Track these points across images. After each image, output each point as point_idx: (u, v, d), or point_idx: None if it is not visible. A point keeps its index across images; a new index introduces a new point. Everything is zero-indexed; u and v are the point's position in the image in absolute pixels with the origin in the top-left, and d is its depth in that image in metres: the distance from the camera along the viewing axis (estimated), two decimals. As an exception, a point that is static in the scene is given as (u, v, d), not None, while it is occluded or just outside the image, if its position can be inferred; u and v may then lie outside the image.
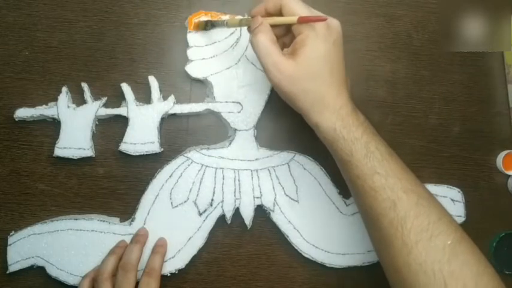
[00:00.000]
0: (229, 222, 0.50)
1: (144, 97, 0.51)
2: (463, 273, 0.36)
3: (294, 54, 0.40)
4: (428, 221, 0.37)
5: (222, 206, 0.50)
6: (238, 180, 0.50)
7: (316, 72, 0.40)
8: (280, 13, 0.41)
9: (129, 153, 0.50)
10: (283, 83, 0.40)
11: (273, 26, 0.41)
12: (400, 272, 0.37)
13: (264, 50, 0.40)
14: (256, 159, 0.51)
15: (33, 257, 0.48)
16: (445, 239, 0.37)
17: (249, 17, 0.44)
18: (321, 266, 0.51)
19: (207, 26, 0.50)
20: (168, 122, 0.52)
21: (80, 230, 0.49)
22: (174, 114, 0.51)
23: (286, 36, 0.44)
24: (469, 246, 0.37)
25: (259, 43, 0.40)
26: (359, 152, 0.39)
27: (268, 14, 0.42)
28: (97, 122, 0.51)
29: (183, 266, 0.49)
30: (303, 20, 0.39)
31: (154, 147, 0.50)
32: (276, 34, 0.42)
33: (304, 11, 0.40)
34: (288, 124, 0.53)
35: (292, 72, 0.40)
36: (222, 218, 0.50)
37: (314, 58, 0.40)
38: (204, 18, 0.51)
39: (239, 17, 0.51)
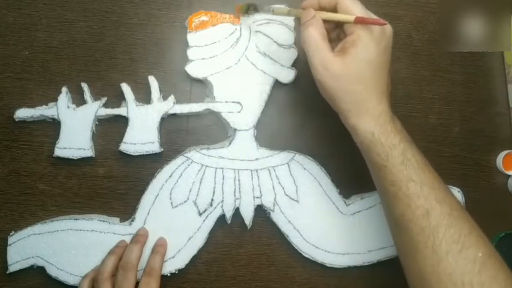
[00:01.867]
0: (229, 222, 0.50)
1: (144, 97, 0.51)
2: (492, 287, 0.36)
3: (343, 53, 0.40)
4: (460, 233, 0.37)
5: (222, 206, 0.50)
6: (238, 180, 0.50)
7: (363, 75, 0.40)
8: (333, 9, 0.41)
9: (129, 153, 0.50)
10: (328, 81, 0.40)
11: (324, 21, 0.41)
12: (428, 281, 0.38)
13: (314, 45, 0.40)
14: (256, 159, 0.51)
15: (33, 257, 0.48)
16: (475, 251, 0.37)
17: (299, 9, 0.43)
18: (321, 266, 0.51)
19: (249, 9, 0.49)
20: (168, 122, 0.52)
21: (80, 230, 0.49)
22: (174, 114, 0.51)
23: (333, 31, 0.43)
24: (498, 261, 0.38)
25: (310, 37, 0.40)
26: (396, 159, 0.39)
27: (320, 8, 0.42)
28: (97, 122, 0.51)
29: (183, 266, 0.49)
30: (360, 21, 0.39)
31: (154, 147, 0.50)
32: (326, 29, 0.41)
33: (361, 11, 0.40)
34: (288, 124, 0.53)
35: (339, 71, 0.39)
36: (222, 218, 0.50)
37: (363, 61, 0.39)
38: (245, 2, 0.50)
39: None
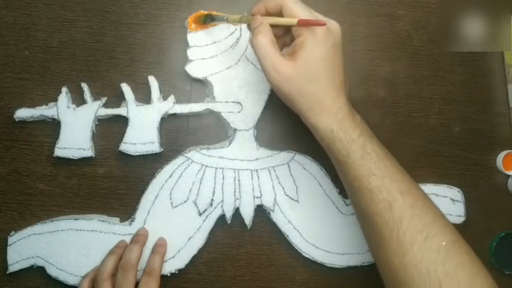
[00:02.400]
0: (229, 222, 0.50)
1: (144, 97, 0.51)
2: (458, 274, 0.36)
3: (293, 55, 0.40)
4: (424, 222, 0.38)
5: (222, 206, 0.50)
6: (238, 180, 0.50)
7: (314, 75, 0.40)
8: (280, 13, 0.41)
9: (129, 153, 0.50)
10: (282, 85, 0.40)
11: (273, 26, 0.41)
12: (396, 272, 0.38)
13: (263, 51, 0.40)
14: (256, 159, 0.51)
15: (33, 257, 0.48)
16: (440, 240, 0.37)
17: (249, 16, 0.44)
18: (321, 266, 0.51)
19: (206, 19, 0.50)
20: (168, 122, 0.52)
21: (80, 230, 0.49)
22: (174, 114, 0.51)
23: (286, 35, 0.44)
24: (464, 248, 0.38)
25: (258, 44, 0.40)
26: (355, 154, 0.40)
27: (268, 14, 0.42)
28: (97, 122, 0.51)
29: (183, 266, 0.49)
30: (302, 23, 0.39)
31: (154, 147, 0.50)
32: (275, 34, 0.42)
33: (305, 13, 0.40)
34: (288, 124, 0.53)
35: (290, 74, 0.40)
36: (222, 218, 0.50)
37: (312, 61, 0.40)
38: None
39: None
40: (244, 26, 0.52)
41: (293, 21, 0.40)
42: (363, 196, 0.40)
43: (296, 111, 0.42)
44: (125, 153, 0.50)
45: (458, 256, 0.37)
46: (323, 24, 0.39)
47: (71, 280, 0.48)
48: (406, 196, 0.39)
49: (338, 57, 0.41)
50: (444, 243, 0.37)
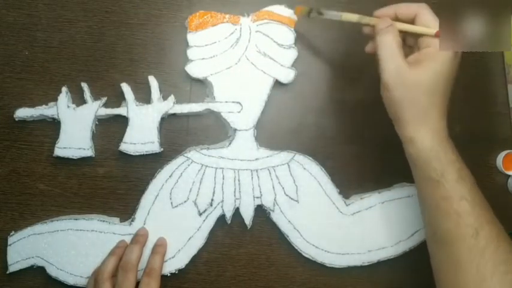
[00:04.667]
0: (229, 222, 0.50)
1: (144, 97, 0.51)
2: None
3: (418, 64, 0.40)
4: (507, 256, 0.38)
5: (222, 206, 0.50)
6: (238, 180, 0.50)
7: (434, 89, 0.40)
8: (410, 21, 0.42)
9: (129, 153, 0.50)
10: (397, 88, 0.40)
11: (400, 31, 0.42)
12: None
13: (390, 51, 0.40)
14: (256, 159, 0.51)
15: (33, 257, 0.48)
16: None
17: (371, 17, 0.44)
18: (321, 266, 0.51)
19: (311, 12, 0.48)
20: (168, 122, 0.52)
21: (80, 230, 0.49)
22: (174, 114, 0.51)
23: (404, 44, 0.44)
24: None
25: (386, 43, 0.41)
26: (451, 175, 0.39)
27: (397, 19, 0.42)
28: (97, 122, 0.51)
29: (183, 266, 0.49)
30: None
31: (154, 147, 0.50)
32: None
33: (437, 25, 0.41)
34: (288, 124, 0.53)
35: (412, 80, 0.40)
36: (222, 218, 0.50)
37: (437, 74, 0.40)
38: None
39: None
40: (245, 26, 0.52)
41: (431, 31, 0.40)
42: (448, 218, 0.39)
43: (395, 117, 0.42)
44: (125, 153, 0.50)
45: None
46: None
47: (71, 280, 0.48)
48: (492, 227, 0.39)
49: (453, 78, 0.41)
50: None
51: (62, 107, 0.50)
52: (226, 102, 0.51)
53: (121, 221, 0.50)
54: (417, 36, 0.42)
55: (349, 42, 0.54)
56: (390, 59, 0.40)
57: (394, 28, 0.41)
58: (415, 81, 0.40)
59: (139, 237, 0.48)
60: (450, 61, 0.40)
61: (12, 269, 0.48)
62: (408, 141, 0.41)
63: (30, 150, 0.51)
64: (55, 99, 0.50)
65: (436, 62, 0.40)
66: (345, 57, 0.54)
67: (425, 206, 0.43)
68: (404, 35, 0.44)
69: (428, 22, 0.41)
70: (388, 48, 0.41)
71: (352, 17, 0.45)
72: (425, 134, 0.40)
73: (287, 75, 0.52)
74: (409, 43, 0.44)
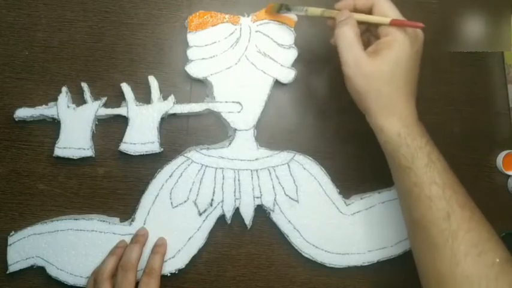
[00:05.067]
0: (229, 222, 0.50)
1: (144, 97, 0.51)
2: None
3: (376, 54, 0.40)
4: (479, 237, 0.38)
5: (222, 206, 0.50)
6: (238, 180, 0.50)
7: (395, 76, 0.40)
8: (369, 11, 0.42)
9: (129, 153, 0.50)
10: (358, 79, 0.41)
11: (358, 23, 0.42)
12: (444, 282, 0.38)
13: (348, 42, 0.41)
14: (256, 159, 0.51)
15: (33, 257, 0.48)
16: (493, 256, 0.37)
17: (332, 10, 0.44)
18: (321, 266, 0.51)
19: (281, 9, 0.49)
20: (168, 122, 0.52)
21: (80, 230, 0.49)
22: (174, 114, 0.51)
23: (363, 34, 0.44)
24: None
25: (343, 35, 0.41)
26: (421, 160, 0.40)
27: (355, 10, 0.43)
28: (97, 122, 0.51)
29: (183, 266, 0.49)
30: (396, 23, 0.40)
31: (154, 147, 0.50)
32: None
33: (395, 13, 0.41)
34: (288, 124, 0.53)
35: (371, 70, 0.40)
36: (222, 218, 0.50)
37: (396, 62, 0.40)
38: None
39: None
40: (245, 26, 0.52)
41: (385, 20, 0.40)
42: (420, 203, 0.40)
43: (363, 109, 0.43)
44: (125, 153, 0.50)
45: (510, 275, 0.37)
46: (420, 26, 0.40)
47: (71, 280, 0.48)
48: (464, 209, 0.39)
49: (417, 64, 0.42)
50: (498, 260, 0.37)
51: (62, 107, 0.50)
52: (226, 102, 0.51)
53: (121, 221, 0.50)
54: (376, 26, 0.42)
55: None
56: (348, 50, 0.41)
57: (352, 19, 0.42)
58: (374, 71, 0.40)
59: (139, 237, 0.48)
60: (408, 48, 0.40)
61: (12, 269, 0.48)
62: (378, 130, 0.42)
63: (30, 150, 0.51)
64: (55, 99, 0.50)
65: (393, 51, 0.40)
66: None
67: (400, 193, 0.43)
68: (368, 26, 0.44)
69: (385, 11, 0.41)
70: (345, 39, 0.41)
71: (316, 11, 0.46)
72: (392, 122, 0.41)
73: (287, 75, 0.52)
74: (375, 33, 0.44)
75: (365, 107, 0.42)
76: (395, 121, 0.41)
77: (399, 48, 0.40)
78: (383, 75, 0.40)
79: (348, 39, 0.41)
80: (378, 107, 0.41)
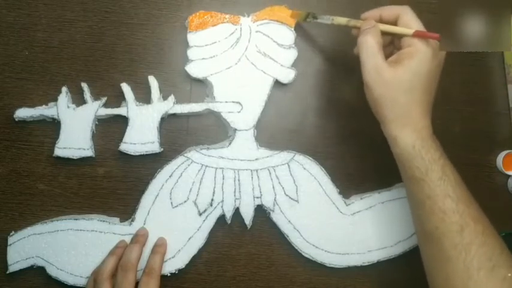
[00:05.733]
0: (229, 222, 0.50)
1: (144, 97, 0.51)
2: None
3: (397, 63, 0.41)
4: (493, 251, 0.38)
5: (222, 206, 0.50)
6: (238, 180, 0.50)
7: (413, 87, 0.41)
8: (393, 23, 0.43)
9: (129, 153, 0.50)
10: (377, 86, 0.41)
11: (382, 34, 0.43)
12: None
13: (370, 50, 0.41)
14: (256, 159, 0.51)
15: (33, 257, 0.48)
16: (506, 271, 0.38)
17: (358, 20, 0.45)
18: (321, 266, 0.51)
19: (308, 17, 0.49)
20: (168, 122, 0.52)
21: (80, 230, 0.49)
22: (174, 114, 0.51)
23: (387, 47, 0.45)
24: None
25: (367, 43, 0.41)
26: (435, 173, 0.40)
27: (381, 21, 0.43)
28: (97, 122, 0.51)
29: (183, 266, 0.49)
30: (418, 34, 0.41)
31: (154, 147, 0.50)
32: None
33: (420, 26, 0.42)
34: (288, 124, 0.53)
35: (390, 78, 0.40)
36: (222, 218, 0.50)
37: (417, 73, 0.40)
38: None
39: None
40: (245, 26, 0.52)
41: (409, 31, 0.41)
42: (434, 216, 0.40)
43: (379, 116, 0.43)
44: (125, 153, 0.50)
45: None
46: (437, 38, 0.40)
47: (71, 280, 0.48)
48: (477, 223, 0.39)
49: (437, 77, 0.42)
50: (510, 275, 0.37)
51: (62, 107, 0.50)
52: (226, 102, 0.51)
53: (121, 221, 0.50)
54: (399, 36, 0.43)
55: (349, 42, 0.54)
56: (370, 58, 0.41)
57: (376, 29, 0.42)
58: (394, 80, 0.40)
59: (139, 237, 0.48)
60: (429, 60, 0.41)
61: (12, 269, 0.48)
62: (392, 140, 0.42)
63: (30, 150, 0.51)
64: (55, 99, 0.50)
65: (414, 61, 0.40)
66: (345, 57, 0.54)
67: (412, 204, 0.43)
68: (392, 39, 0.45)
69: (409, 23, 0.42)
70: (368, 47, 0.41)
71: (341, 21, 0.46)
72: (408, 133, 0.41)
73: (287, 75, 0.52)
74: (398, 46, 0.44)
75: (381, 115, 0.42)
76: (410, 132, 0.41)
77: (420, 58, 0.41)
78: (402, 83, 0.40)
79: (370, 47, 0.41)
80: (393, 116, 0.41)
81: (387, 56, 0.43)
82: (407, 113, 0.41)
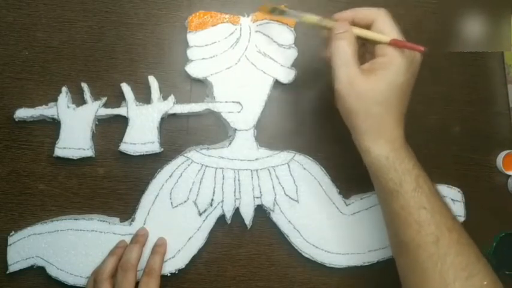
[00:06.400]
0: (229, 222, 0.50)
1: (144, 97, 0.51)
2: None
3: (371, 73, 0.39)
4: (468, 260, 0.38)
5: (222, 206, 0.50)
6: (238, 180, 0.50)
7: (387, 98, 0.39)
8: (367, 27, 0.40)
9: (129, 153, 0.50)
10: (349, 98, 0.39)
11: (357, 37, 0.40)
12: None
13: (344, 58, 0.39)
14: (256, 159, 0.51)
15: (33, 257, 0.48)
16: (481, 280, 0.37)
17: (330, 20, 0.42)
18: (321, 266, 0.51)
19: (273, 12, 0.46)
20: (168, 122, 0.52)
21: (80, 230, 0.49)
22: (174, 114, 0.51)
23: (359, 49, 0.42)
24: None
25: (341, 50, 0.39)
26: (409, 185, 0.39)
27: (354, 24, 0.41)
28: (97, 122, 0.51)
29: (183, 266, 0.49)
30: (395, 43, 0.38)
31: (154, 147, 0.50)
32: None
33: (396, 34, 0.39)
34: (288, 124, 0.53)
35: (364, 90, 0.39)
36: (222, 218, 0.50)
37: (391, 84, 0.39)
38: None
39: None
40: (245, 26, 0.52)
41: (385, 38, 0.39)
42: (408, 227, 0.39)
43: (352, 128, 0.41)
44: (125, 153, 0.50)
45: None
46: (421, 50, 0.38)
47: (71, 280, 0.48)
48: (452, 232, 0.39)
49: (411, 87, 0.41)
50: (485, 283, 0.37)
51: (62, 107, 0.50)
52: (226, 102, 0.51)
53: (121, 221, 0.50)
54: (374, 43, 0.41)
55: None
56: (343, 66, 0.39)
57: (351, 34, 0.40)
58: (368, 91, 0.39)
59: (139, 237, 0.48)
60: (404, 71, 0.39)
61: (12, 269, 0.48)
62: (365, 151, 0.41)
63: (30, 150, 0.51)
64: (55, 99, 0.50)
65: (389, 72, 0.39)
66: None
67: (387, 215, 0.43)
68: (364, 41, 0.42)
69: (385, 29, 0.39)
70: (342, 55, 0.39)
71: (312, 19, 0.43)
72: (381, 145, 0.40)
73: (287, 75, 0.52)
74: (370, 49, 0.42)
75: (353, 125, 0.41)
76: (384, 144, 0.40)
77: (395, 70, 0.39)
78: (375, 95, 0.39)
79: (344, 54, 0.39)
80: (366, 127, 0.40)
81: (359, 58, 0.41)
82: (381, 124, 0.40)
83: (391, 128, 0.40)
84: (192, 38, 0.51)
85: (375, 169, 0.41)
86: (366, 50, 0.43)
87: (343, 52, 0.39)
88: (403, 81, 0.39)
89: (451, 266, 0.37)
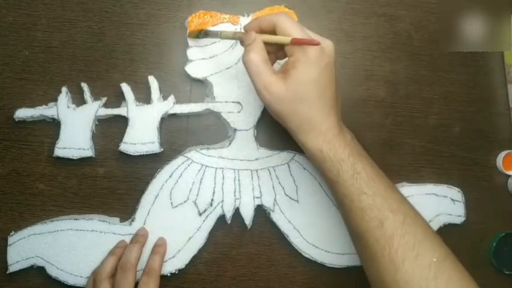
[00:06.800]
0: (229, 222, 0.50)
1: (144, 97, 0.51)
2: None
3: (285, 74, 0.40)
4: (415, 239, 0.38)
5: (222, 206, 0.50)
6: (238, 180, 0.50)
7: (305, 95, 0.40)
8: (274, 31, 0.41)
9: (129, 153, 0.50)
10: (272, 104, 0.41)
11: (266, 43, 0.41)
12: None
13: (255, 69, 0.40)
14: (256, 159, 0.51)
15: (33, 257, 0.48)
16: (431, 256, 0.38)
17: (242, 31, 0.44)
18: (321, 266, 0.51)
19: (199, 34, 0.49)
20: (168, 122, 0.52)
21: (80, 230, 0.49)
22: (174, 114, 0.51)
23: (280, 50, 0.43)
24: (454, 263, 0.39)
25: (250, 62, 0.40)
26: (346, 173, 0.40)
27: (261, 31, 0.42)
28: (97, 122, 0.51)
29: (183, 266, 0.49)
30: (296, 42, 0.39)
31: (154, 147, 0.50)
32: (268, 50, 0.41)
33: (298, 32, 0.40)
34: (288, 124, 0.53)
35: (281, 93, 0.40)
36: (222, 218, 0.50)
37: (304, 82, 0.39)
38: (202, 19, 0.51)
39: (233, 28, 0.51)
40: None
41: (286, 39, 0.39)
42: (353, 214, 0.40)
43: (287, 129, 0.43)
44: (125, 153, 0.50)
45: (448, 272, 0.38)
46: (317, 44, 0.38)
47: (71, 280, 0.48)
48: (396, 214, 0.39)
49: (330, 77, 0.41)
50: (435, 260, 0.38)
51: (62, 107, 0.50)
52: (226, 102, 0.51)
53: (121, 221, 0.50)
54: (282, 45, 0.41)
55: (349, 43, 0.54)
56: (257, 77, 0.40)
57: (258, 43, 0.40)
58: (286, 94, 0.40)
59: (139, 237, 0.48)
60: (313, 64, 0.39)
61: (12, 269, 0.48)
62: (302, 147, 0.43)
63: (30, 150, 0.51)
64: (55, 99, 0.50)
65: (298, 70, 0.39)
66: (344, 57, 0.54)
67: (336, 205, 0.44)
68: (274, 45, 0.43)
69: (287, 30, 0.40)
70: (253, 66, 0.40)
71: (228, 34, 0.45)
72: (313, 139, 0.41)
73: (287, 75, 0.52)
74: (287, 50, 0.42)
75: (286, 127, 0.42)
76: (315, 137, 0.41)
77: (305, 67, 0.39)
78: (293, 95, 0.40)
79: (254, 65, 0.40)
80: (296, 126, 0.41)
81: (282, 58, 0.42)
82: (308, 120, 0.41)
83: (320, 122, 0.41)
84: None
85: (314, 162, 0.42)
86: (284, 52, 0.43)
87: (253, 63, 0.40)
88: (316, 75, 0.40)
89: (398, 248, 0.38)
